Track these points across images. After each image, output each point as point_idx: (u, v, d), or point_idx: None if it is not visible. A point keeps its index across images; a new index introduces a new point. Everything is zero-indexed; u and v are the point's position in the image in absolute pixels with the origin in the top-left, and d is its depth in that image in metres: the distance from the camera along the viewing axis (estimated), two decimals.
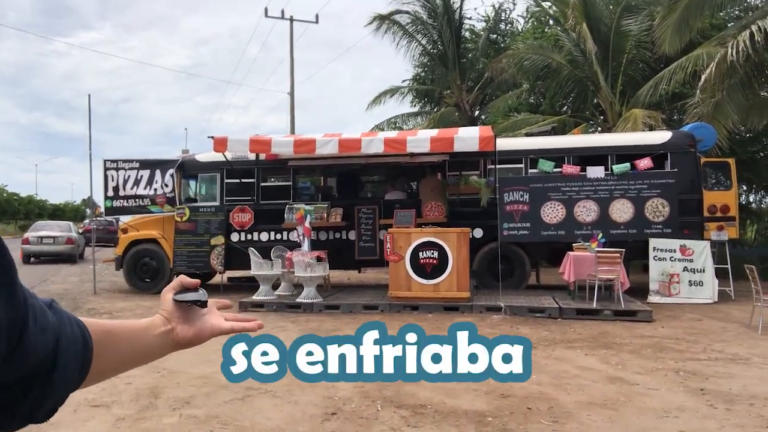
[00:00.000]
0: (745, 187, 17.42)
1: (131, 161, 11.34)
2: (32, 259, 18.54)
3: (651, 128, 11.72)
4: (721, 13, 15.29)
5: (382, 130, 21.41)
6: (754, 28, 10.34)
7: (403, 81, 23.71)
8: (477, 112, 21.87)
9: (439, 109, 21.65)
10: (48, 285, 12.77)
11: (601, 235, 9.18)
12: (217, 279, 11.51)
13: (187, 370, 5.48)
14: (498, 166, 10.44)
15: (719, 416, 4.17)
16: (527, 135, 11.79)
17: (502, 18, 22.44)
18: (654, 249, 9.67)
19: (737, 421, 4.06)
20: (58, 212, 53.52)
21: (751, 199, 18.38)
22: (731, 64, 10.41)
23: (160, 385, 4.99)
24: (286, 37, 24.16)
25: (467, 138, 9.06)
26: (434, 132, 10.09)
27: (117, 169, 11.34)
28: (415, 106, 23.51)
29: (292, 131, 23.51)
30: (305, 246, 9.52)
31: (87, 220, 23.04)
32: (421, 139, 9.25)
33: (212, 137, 9.79)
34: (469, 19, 21.85)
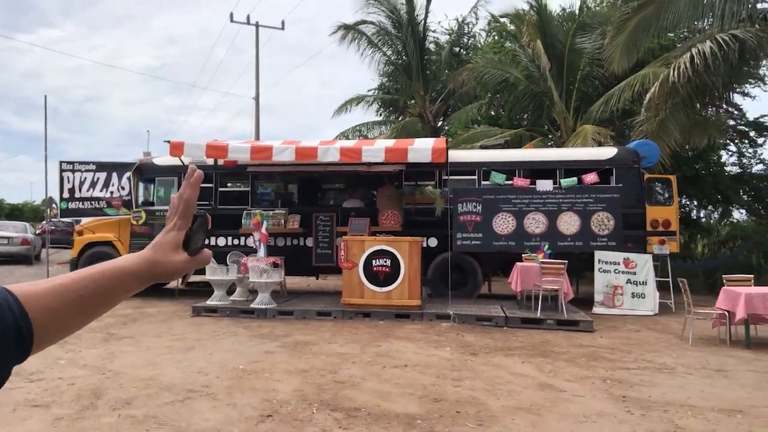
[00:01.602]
0: (695, 203, 18.18)
1: (87, 163, 11.28)
2: None
3: (600, 144, 12.20)
4: (670, 34, 15.97)
5: (347, 137, 21.61)
6: (694, 51, 10.91)
7: (369, 90, 24.00)
8: (440, 123, 22.26)
9: (403, 118, 21.97)
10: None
11: (547, 246, 9.54)
12: (173, 283, 11.48)
13: (132, 371, 5.55)
14: (452, 177, 10.73)
15: (633, 421, 4.46)
16: (482, 147, 12.14)
17: (465, 31, 22.91)
18: (599, 261, 10.07)
19: (649, 426, 4.35)
20: (16, 212, 51.95)
21: (701, 215, 19.17)
22: (673, 84, 10.95)
23: (103, 386, 5.05)
24: (253, 41, 24.18)
25: (421, 149, 9.32)
26: (390, 142, 10.33)
27: (73, 171, 11.26)
28: (380, 114, 23.82)
29: (257, 136, 23.52)
30: (261, 252, 9.62)
31: (44, 221, 22.55)
32: (376, 149, 9.48)
33: (168, 141, 9.84)
34: (434, 31, 22.22)
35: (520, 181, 10.40)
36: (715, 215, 19.06)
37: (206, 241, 0.91)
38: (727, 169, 16.83)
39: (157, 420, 4.23)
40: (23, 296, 0.72)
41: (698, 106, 12.91)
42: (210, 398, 4.78)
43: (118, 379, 5.27)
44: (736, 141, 17.09)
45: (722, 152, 16.98)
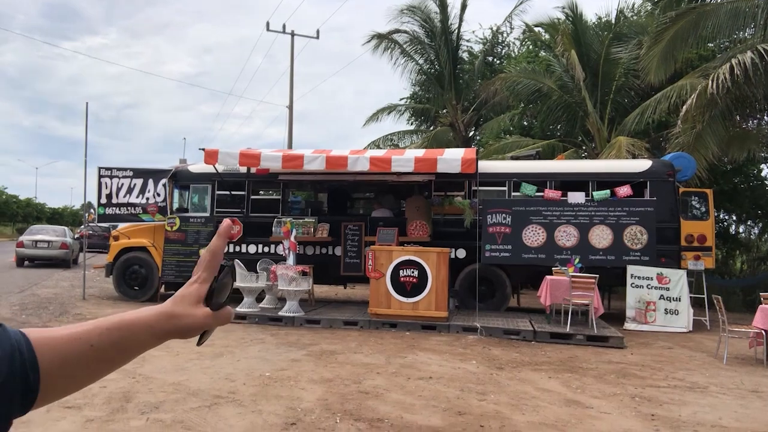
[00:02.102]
0: (734, 218, 17.68)
1: (125, 169, 11.59)
2: (26, 263, 18.74)
3: (634, 156, 11.99)
4: (710, 45, 15.64)
5: (378, 146, 21.73)
6: (734, 61, 10.65)
7: (401, 99, 24.10)
8: (471, 133, 22.20)
9: (434, 128, 21.99)
10: (39, 288, 12.96)
11: (577, 260, 9.41)
12: None
13: (161, 376, 5.68)
14: (482, 188, 10.69)
15: None
16: (513, 158, 12.05)
17: (499, 41, 22.84)
18: (631, 276, 9.88)
19: None
20: (56, 216, 53.77)
21: (741, 230, 18.62)
22: (711, 96, 10.71)
23: (133, 389, 5.18)
24: (288, 50, 24.56)
25: (450, 160, 9.32)
26: (419, 152, 10.35)
27: (111, 177, 11.58)
28: (411, 124, 23.88)
29: (290, 145, 23.82)
30: (290, 260, 9.73)
31: (83, 226, 23.21)
32: (405, 159, 9.51)
33: (203, 149, 10.06)
34: (468, 41, 22.23)
35: (551, 193, 10.30)
36: (755, 231, 18.51)
37: (233, 283, 0.87)
38: None
39: (183, 425, 4.31)
40: (36, 341, 0.70)
41: (738, 118, 12.59)
42: (236, 404, 4.86)
43: (147, 384, 5.40)
44: None
45: (763, 166, 16.51)
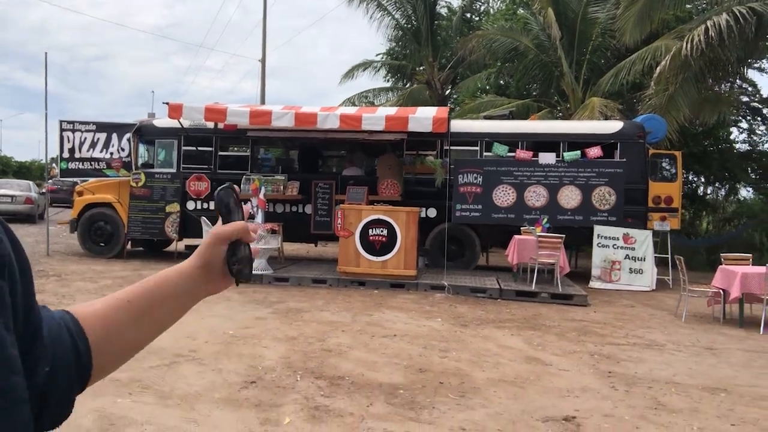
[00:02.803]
0: (702, 179, 17.98)
1: (88, 123, 11.22)
2: None
3: (606, 117, 11.98)
4: (688, 6, 15.55)
5: (354, 104, 21.38)
6: (709, 23, 10.62)
7: (377, 55, 23.65)
8: (448, 91, 21.97)
9: (411, 85, 21.69)
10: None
11: (545, 220, 9.47)
12: (172, 246, 11.54)
13: None
14: (454, 148, 10.62)
15: (616, 397, 4.46)
16: (486, 118, 11.96)
17: None
18: (598, 236, 10.00)
19: (631, 402, 4.35)
20: (23, 170, 52.27)
21: (708, 191, 18.98)
22: (685, 58, 10.69)
23: None
24: (262, 1, 23.76)
25: (421, 119, 9.19)
26: (391, 110, 10.19)
27: (73, 131, 11.22)
28: (388, 81, 23.51)
29: (262, 100, 23.32)
30: (259, 218, 9.60)
31: (50, 180, 22.63)
32: (376, 118, 9.36)
33: (167, 103, 9.75)
34: None
35: (522, 154, 10.27)
36: (722, 192, 18.87)
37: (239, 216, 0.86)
38: (737, 146, 16.59)
39: (141, 384, 4.27)
40: (79, 313, 0.70)
41: (710, 81, 12.65)
42: (196, 363, 4.82)
43: None
44: (749, 118, 16.80)
45: (733, 129, 16.72)
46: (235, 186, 0.88)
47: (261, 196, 9.64)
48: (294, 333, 5.96)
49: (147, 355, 4.96)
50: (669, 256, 10.35)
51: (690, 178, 17.16)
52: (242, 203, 0.87)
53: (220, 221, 0.84)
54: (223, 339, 5.61)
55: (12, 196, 18.06)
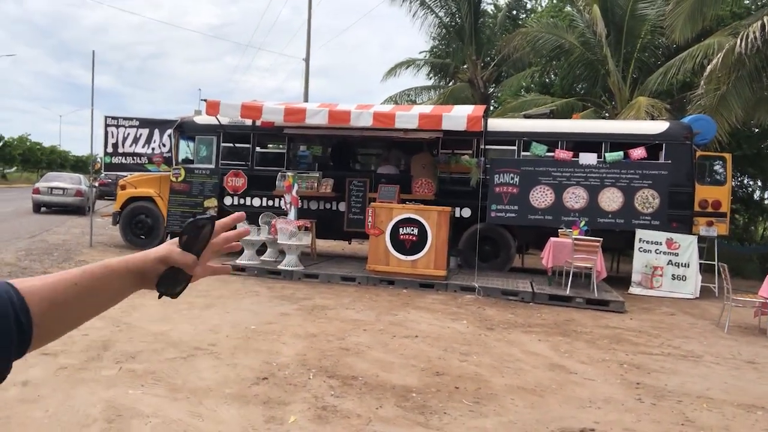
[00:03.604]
0: (760, 183, 17.08)
1: (131, 119, 11.53)
2: (42, 209, 19.03)
3: (653, 117, 11.52)
4: (746, 1, 14.82)
5: (396, 102, 21.32)
6: (766, 19, 10.04)
7: (420, 53, 23.50)
8: (492, 90, 21.61)
9: (453, 83, 21.44)
10: (50, 235, 13.15)
11: (583, 222, 9.15)
12: None
13: (145, 326, 5.69)
14: (491, 147, 10.41)
15: (641, 410, 4.24)
16: (525, 117, 11.67)
17: None
18: (640, 240, 9.62)
19: (656, 417, 4.12)
20: (80, 164, 54.52)
21: (766, 196, 18.03)
22: (739, 56, 10.16)
23: (113, 338, 5.19)
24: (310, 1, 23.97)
25: (455, 117, 9.03)
26: (426, 109, 10.06)
27: (117, 126, 11.54)
28: (430, 79, 23.31)
29: (305, 99, 23.53)
30: (291, 214, 9.64)
31: (103, 174, 23.42)
32: (410, 116, 9.25)
33: (205, 100, 9.90)
34: None
35: (562, 154, 9.97)
36: None
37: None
38: None
39: (154, 376, 4.30)
40: (24, 290, 0.75)
41: (765, 80, 11.96)
42: (213, 357, 4.84)
43: (129, 332, 5.41)
44: None
45: None
46: (217, 220, 0.92)
47: (294, 192, 9.67)
48: (315, 330, 5.93)
49: (166, 347, 5.02)
50: (716, 262, 9.86)
51: (745, 181, 16.34)
52: (210, 240, 0.91)
53: (177, 239, 0.89)
54: (243, 334, 5.63)
55: (64, 189, 18.78)
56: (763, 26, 10.09)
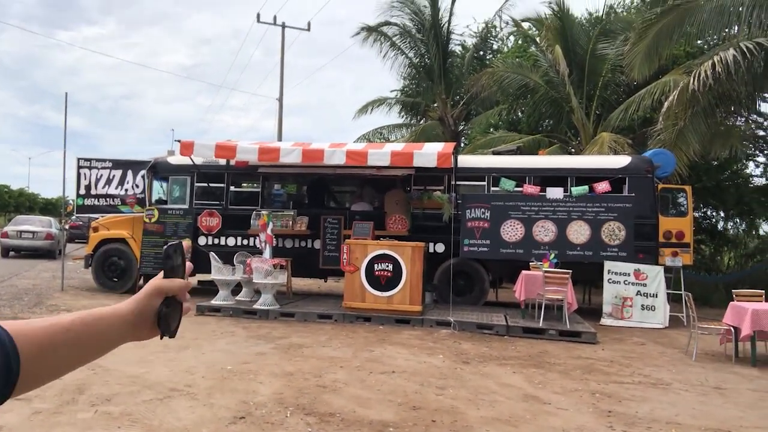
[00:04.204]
0: (723, 214, 17.67)
1: (104, 160, 11.54)
2: (11, 253, 18.66)
3: (616, 152, 11.95)
4: (699, 41, 15.59)
5: (369, 140, 21.66)
6: (716, 58, 10.62)
7: (392, 92, 24.02)
8: (462, 127, 22.12)
9: (424, 121, 21.91)
10: (19, 279, 12.91)
11: (553, 255, 9.39)
12: None
13: (121, 368, 5.64)
14: (462, 183, 10.67)
15: None
16: (494, 153, 12.01)
17: (492, 35, 22.73)
18: (608, 272, 9.87)
19: None
20: (49, 207, 53.55)
21: (729, 226, 18.62)
22: (693, 93, 10.68)
23: (89, 381, 5.15)
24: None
25: (426, 154, 9.28)
26: (398, 146, 10.32)
27: (90, 168, 11.53)
28: (402, 117, 23.79)
29: (279, 137, 23.75)
30: (266, 253, 9.68)
31: (74, 217, 23.11)
32: (382, 153, 9.47)
33: (179, 141, 10.00)
34: (460, 35, 22.13)
35: (530, 188, 10.27)
36: (743, 227, 18.50)
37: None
38: (755, 180, 16.34)
39: (131, 418, 4.28)
40: (15, 332, 0.73)
41: (722, 115, 12.56)
42: (189, 398, 4.83)
43: (105, 376, 5.36)
44: (766, 152, 16.57)
45: (749, 163, 16.50)
46: (186, 243, 0.98)
47: (269, 231, 9.73)
48: (292, 369, 5.95)
49: (142, 389, 4.99)
50: (682, 292, 10.15)
51: (708, 213, 16.90)
52: (186, 261, 0.95)
53: (161, 273, 0.91)
54: (219, 374, 5.62)
55: (33, 232, 18.49)
56: (713, 65, 10.66)
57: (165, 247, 0.92)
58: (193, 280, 11.80)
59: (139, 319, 0.88)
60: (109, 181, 11.43)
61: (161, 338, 0.93)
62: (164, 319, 0.90)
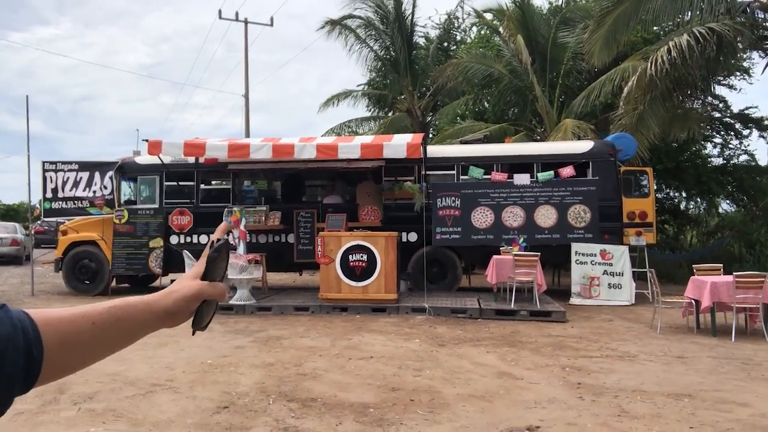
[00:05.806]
0: (684, 194, 18.27)
1: (70, 163, 11.39)
2: None
3: (579, 138, 12.28)
4: (655, 28, 16.03)
5: (338, 134, 21.71)
6: (671, 44, 11.00)
7: (358, 85, 24.09)
8: (429, 118, 22.35)
9: (392, 114, 22.07)
10: None
11: (522, 239, 9.65)
12: (157, 281, 11.62)
13: (100, 367, 5.65)
14: (432, 173, 10.85)
15: (582, 407, 4.58)
16: (462, 143, 12.23)
17: (455, 26, 22.96)
18: (576, 253, 10.18)
19: (595, 411, 4.47)
20: (11, 212, 52.10)
21: (691, 206, 19.26)
22: (651, 78, 11.04)
23: (68, 381, 5.16)
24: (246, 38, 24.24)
25: (396, 145, 9.43)
26: (367, 139, 10.44)
27: (56, 171, 11.37)
28: (370, 110, 23.90)
29: (247, 134, 23.63)
30: (240, 249, 9.73)
31: (39, 221, 22.63)
32: (352, 146, 9.59)
33: (146, 140, 9.95)
34: (423, 26, 22.34)
35: (497, 176, 10.51)
36: (704, 206, 19.16)
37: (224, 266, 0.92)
38: (712, 160, 16.94)
39: (115, 413, 4.35)
40: (41, 322, 0.71)
41: (679, 98, 12.98)
42: (171, 392, 4.90)
43: (85, 375, 5.38)
44: (722, 133, 17.18)
45: (708, 144, 17.09)
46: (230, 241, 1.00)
47: (242, 227, 9.78)
48: (271, 359, 6.05)
49: (124, 386, 5.04)
50: (647, 270, 10.52)
51: (671, 193, 17.46)
52: (228, 261, 0.95)
53: (199, 266, 0.90)
54: (200, 368, 5.69)
55: None
56: (669, 50, 11.04)
57: (214, 245, 0.90)
58: (166, 280, 11.75)
59: (171, 318, 0.87)
60: (76, 184, 11.28)
61: (193, 334, 0.94)
62: (199, 315, 0.89)
